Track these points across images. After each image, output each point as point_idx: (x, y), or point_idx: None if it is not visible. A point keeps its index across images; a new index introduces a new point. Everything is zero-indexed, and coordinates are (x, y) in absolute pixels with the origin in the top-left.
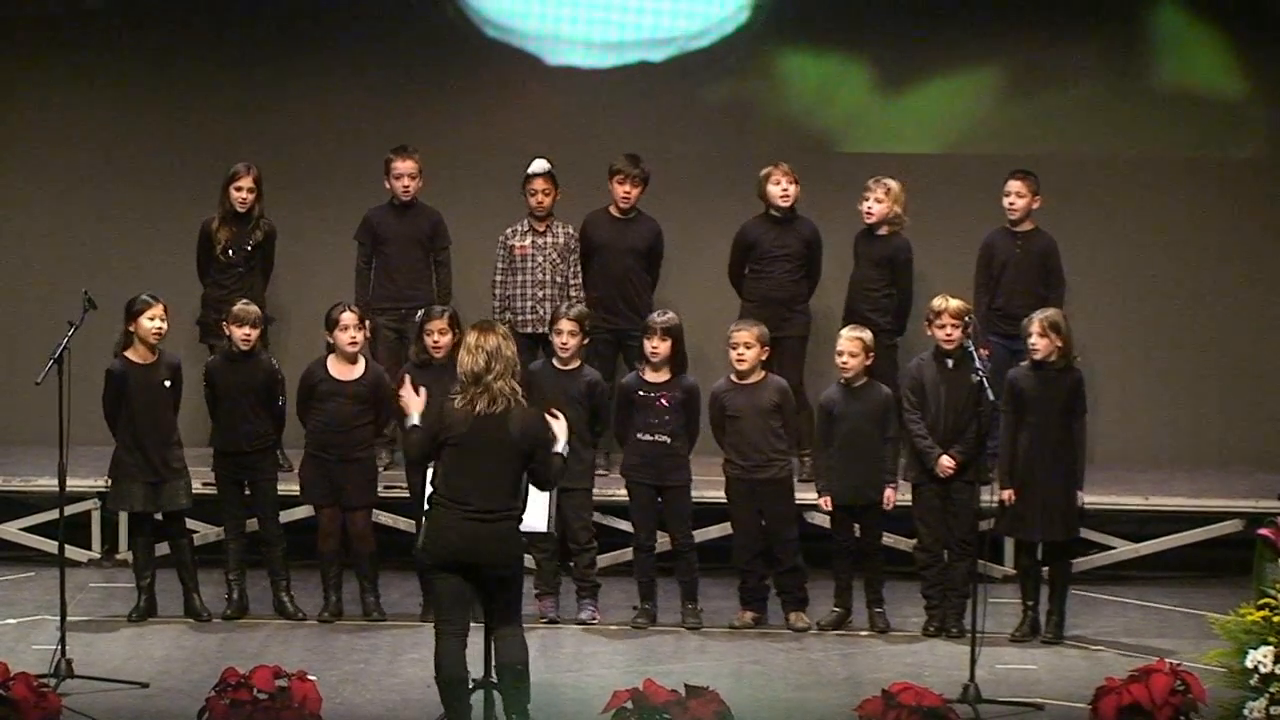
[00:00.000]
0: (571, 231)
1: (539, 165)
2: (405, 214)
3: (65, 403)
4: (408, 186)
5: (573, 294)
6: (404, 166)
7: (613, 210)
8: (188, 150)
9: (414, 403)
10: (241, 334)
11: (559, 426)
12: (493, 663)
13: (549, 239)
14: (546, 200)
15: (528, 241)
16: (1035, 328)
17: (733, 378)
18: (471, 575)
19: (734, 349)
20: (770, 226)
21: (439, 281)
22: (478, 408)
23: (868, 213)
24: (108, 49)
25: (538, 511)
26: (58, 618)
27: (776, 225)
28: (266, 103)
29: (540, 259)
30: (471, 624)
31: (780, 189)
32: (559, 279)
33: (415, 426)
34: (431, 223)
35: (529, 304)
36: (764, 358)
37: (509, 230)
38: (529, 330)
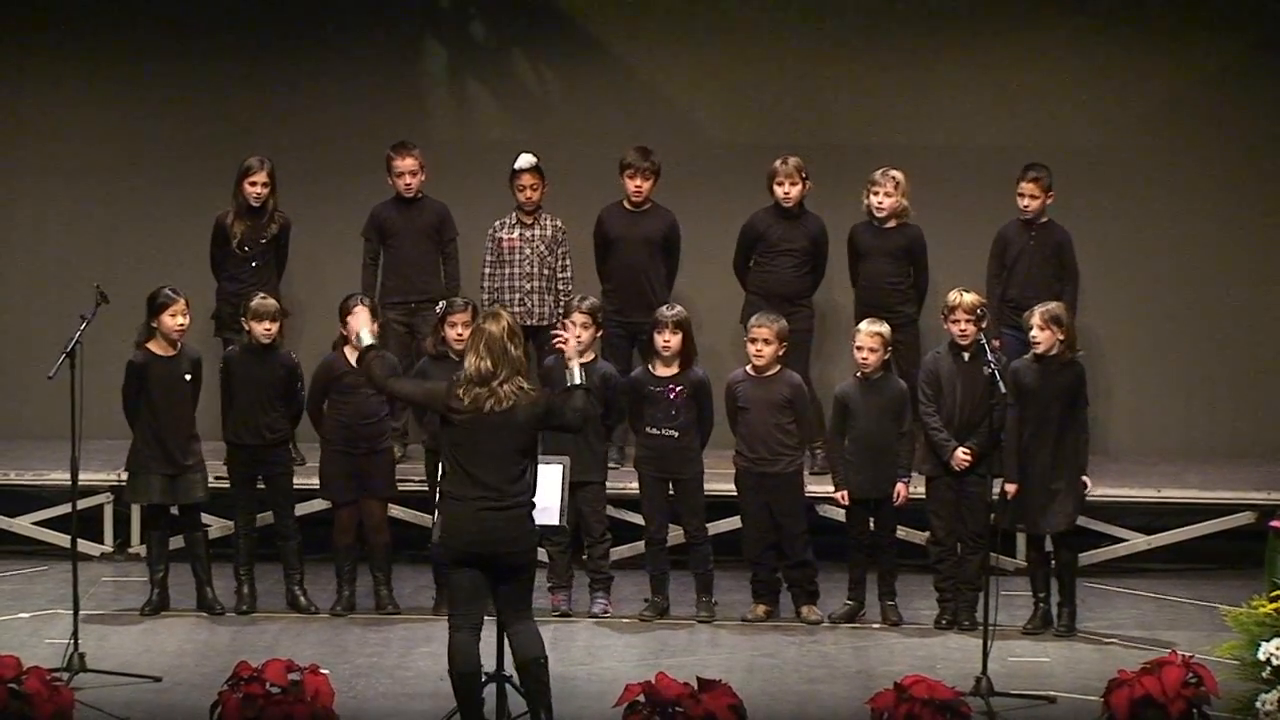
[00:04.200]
0: (560, 224)
1: (525, 160)
2: (412, 208)
3: (78, 396)
4: (410, 183)
5: (560, 286)
6: (404, 164)
7: (625, 203)
8: (200, 144)
9: (362, 322)
10: (262, 328)
11: (570, 353)
12: (504, 658)
13: (537, 231)
14: (535, 195)
15: (515, 234)
16: (1036, 320)
17: (749, 370)
18: (486, 566)
19: (752, 343)
20: (777, 220)
21: (447, 274)
22: (486, 406)
23: (879, 207)
24: (119, 42)
25: (550, 505)
26: (70, 611)
27: (784, 219)
28: (277, 96)
29: (528, 251)
30: (485, 618)
31: (783, 190)
32: (546, 271)
33: (371, 347)
34: (439, 215)
35: (517, 296)
36: (781, 353)
37: (497, 223)
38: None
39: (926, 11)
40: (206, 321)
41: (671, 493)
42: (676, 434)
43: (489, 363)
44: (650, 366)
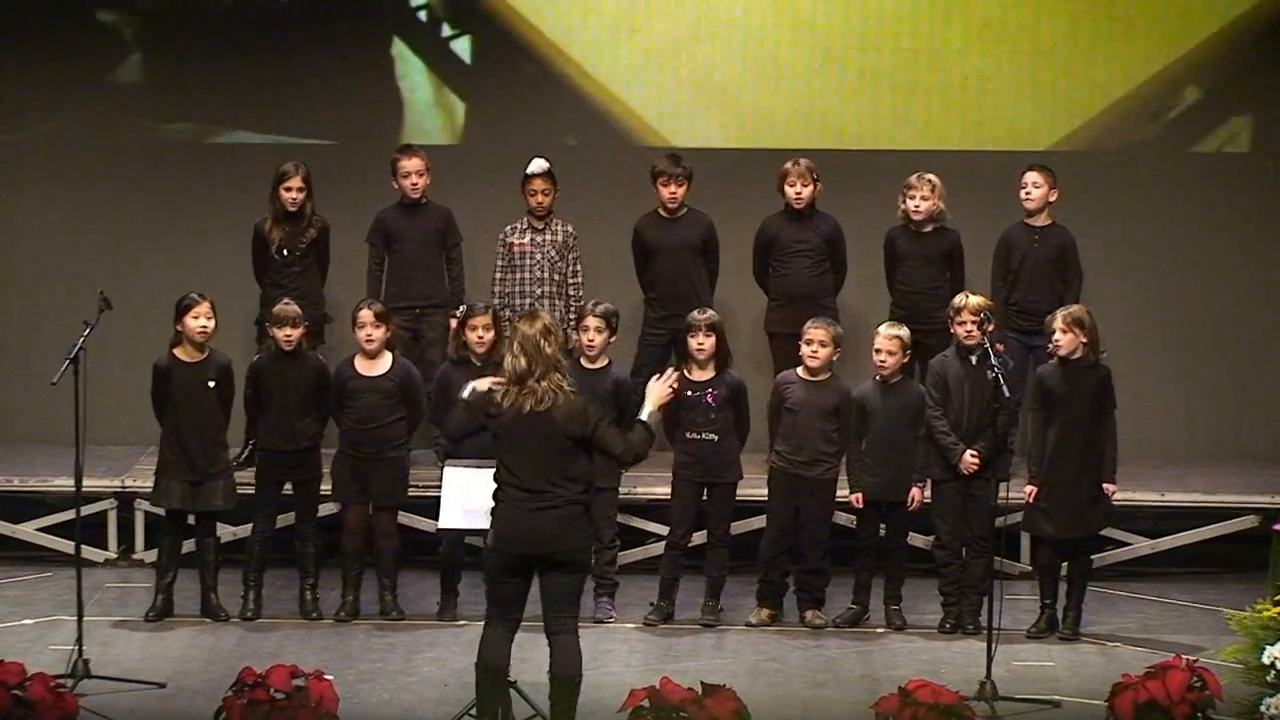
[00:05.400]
0: (570, 229)
1: (538, 165)
2: (416, 212)
3: (81, 402)
4: (415, 184)
5: (571, 291)
6: (410, 165)
7: (661, 211)
8: (205, 149)
9: (481, 383)
10: (283, 335)
11: (651, 392)
12: (508, 661)
13: (548, 236)
14: (546, 200)
15: (526, 239)
16: (1058, 324)
17: (800, 372)
18: (529, 569)
19: (808, 344)
20: (788, 222)
21: (451, 279)
22: (526, 406)
23: (915, 210)
24: (122, 44)
25: None
26: (74, 618)
27: (794, 220)
28: (285, 98)
29: (539, 256)
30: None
31: (794, 191)
32: (557, 276)
33: (461, 399)
34: (443, 220)
35: (528, 301)
36: (835, 358)
37: (508, 228)
38: None
39: (931, 13)
40: (248, 328)
41: (704, 498)
42: (716, 437)
43: (523, 361)
44: (686, 371)
